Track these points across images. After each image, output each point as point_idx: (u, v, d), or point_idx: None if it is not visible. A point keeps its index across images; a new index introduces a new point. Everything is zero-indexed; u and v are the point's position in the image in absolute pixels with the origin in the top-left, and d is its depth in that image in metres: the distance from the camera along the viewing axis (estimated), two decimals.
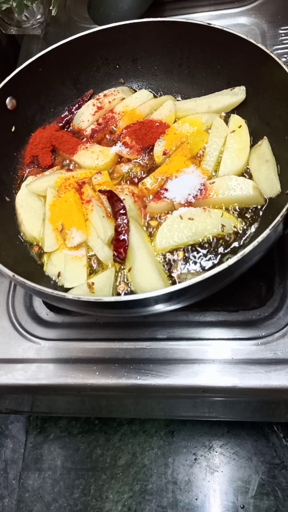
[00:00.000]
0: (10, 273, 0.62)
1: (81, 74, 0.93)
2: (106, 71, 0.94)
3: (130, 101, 0.92)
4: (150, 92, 0.94)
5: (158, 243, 0.74)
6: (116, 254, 0.72)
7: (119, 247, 0.72)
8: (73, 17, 1.22)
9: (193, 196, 0.76)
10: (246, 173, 0.80)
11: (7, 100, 0.83)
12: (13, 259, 0.74)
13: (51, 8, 1.09)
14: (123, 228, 0.73)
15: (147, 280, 0.70)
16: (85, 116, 0.91)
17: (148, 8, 1.08)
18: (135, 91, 0.95)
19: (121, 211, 0.74)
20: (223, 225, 0.73)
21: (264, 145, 0.78)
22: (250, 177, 0.79)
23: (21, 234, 0.81)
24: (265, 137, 0.79)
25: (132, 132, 0.86)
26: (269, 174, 0.75)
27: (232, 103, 0.85)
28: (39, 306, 0.85)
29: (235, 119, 0.84)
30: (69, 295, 0.58)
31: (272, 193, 0.74)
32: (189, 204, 0.76)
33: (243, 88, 0.83)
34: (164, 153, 0.84)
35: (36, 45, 1.19)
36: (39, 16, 1.17)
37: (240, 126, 0.83)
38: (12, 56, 1.23)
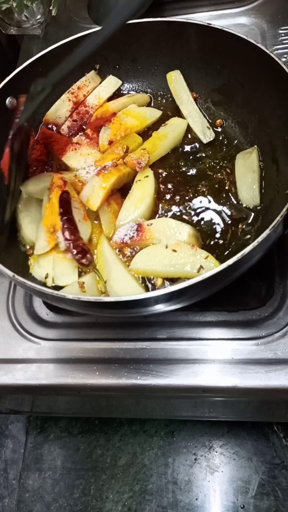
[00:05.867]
0: (10, 273, 0.62)
1: (81, 74, 0.93)
2: (106, 71, 0.94)
3: (100, 91, 0.92)
4: (144, 91, 0.94)
5: (133, 264, 0.73)
6: (78, 257, 0.70)
7: (76, 247, 0.70)
8: (73, 17, 1.22)
9: (129, 238, 0.75)
10: (229, 180, 0.82)
11: (7, 100, 0.83)
12: (13, 259, 0.74)
13: (51, 8, 1.09)
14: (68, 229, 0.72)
15: (127, 288, 0.70)
16: (62, 113, 0.91)
17: (148, 8, 1.08)
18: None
19: (64, 217, 0.73)
20: (201, 267, 0.69)
21: (254, 154, 0.80)
22: (234, 184, 0.80)
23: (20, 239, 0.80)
24: (255, 146, 0.81)
25: (95, 125, 0.88)
26: (252, 184, 0.77)
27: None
28: (39, 306, 0.85)
29: (144, 172, 0.83)
30: (69, 295, 0.58)
31: (251, 203, 0.78)
32: (125, 244, 0.75)
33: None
34: (110, 143, 0.85)
35: (36, 45, 1.19)
36: (39, 16, 1.17)
37: (146, 177, 0.82)
38: (12, 56, 1.23)
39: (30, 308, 0.85)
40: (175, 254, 0.71)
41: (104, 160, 0.82)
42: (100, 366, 0.76)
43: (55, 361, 0.78)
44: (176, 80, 0.90)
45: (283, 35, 1.03)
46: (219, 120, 0.88)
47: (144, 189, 0.81)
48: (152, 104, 0.95)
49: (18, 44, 1.25)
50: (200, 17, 1.12)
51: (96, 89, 0.93)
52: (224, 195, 0.81)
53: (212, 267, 0.68)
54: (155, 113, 0.91)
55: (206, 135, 0.87)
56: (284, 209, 0.59)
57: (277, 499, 1.29)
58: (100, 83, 0.94)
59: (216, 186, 0.82)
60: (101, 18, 1.11)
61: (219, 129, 0.88)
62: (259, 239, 0.57)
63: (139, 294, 0.57)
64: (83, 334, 0.80)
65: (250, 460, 1.35)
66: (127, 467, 1.40)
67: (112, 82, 0.93)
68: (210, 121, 0.89)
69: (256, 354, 0.72)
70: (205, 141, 0.87)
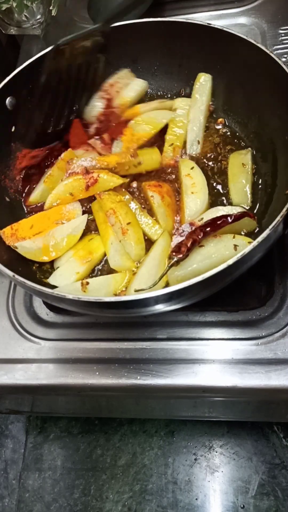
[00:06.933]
0: (10, 273, 0.62)
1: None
2: (106, 71, 0.94)
3: (127, 93, 0.91)
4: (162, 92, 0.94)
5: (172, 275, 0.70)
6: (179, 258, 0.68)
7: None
8: (73, 17, 1.22)
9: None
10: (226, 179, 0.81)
11: (7, 100, 0.83)
12: (13, 259, 0.74)
13: (51, 8, 1.09)
14: None
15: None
16: (94, 112, 0.89)
17: (148, 8, 1.08)
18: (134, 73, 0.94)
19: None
20: (235, 245, 0.69)
21: (248, 156, 0.81)
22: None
23: None
24: (249, 149, 0.82)
25: (113, 130, 0.87)
26: (244, 185, 0.78)
27: None
28: (39, 306, 0.85)
29: (186, 163, 0.83)
30: (69, 295, 0.58)
31: (241, 203, 0.78)
32: (180, 246, 0.72)
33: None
34: None
35: (36, 45, 1.19)
36: (39, 16, 1.17)
37: (192, 168, 0.82)
38: (12, 56, 1.23)
39: (30, 308, 0.85)
40: (203, 248, 0.69)
41: (107, 159, 0.81)
42: (100, 366, 0.76)
43: (55, 361, 0.78)
44: (202, 84, 0.88)
45: (283, 35, 1.03)
46: (220, 119, 0.89)
47: (197, 179, 0.80)
48: None
49: (18, 44, 1.25)
50: (200, 17, 1.12)
51: (124, 91, 0.91)
52: (216, 193, 0.82)
53: (245, 243, 0.68)
54: (167, 115, 0.87)
55: (192, 147, 0.86)
56: (284, 209, 0.59)
57: (277, 499, 1.29)
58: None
59: (214, 185, 0.83)
60: (101, 18, 1.10)
61: (220, 127, 0.89)
62: (259, 239, 0.57)
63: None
64: (83, 334, 0.80)
65: (250, 460, 1.35)
66: (127, 467, 1.40)
67: (138, 84, 0.92)
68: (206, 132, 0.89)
69: (256, 354, 0.72)
70: (188, 152, 0.86)
